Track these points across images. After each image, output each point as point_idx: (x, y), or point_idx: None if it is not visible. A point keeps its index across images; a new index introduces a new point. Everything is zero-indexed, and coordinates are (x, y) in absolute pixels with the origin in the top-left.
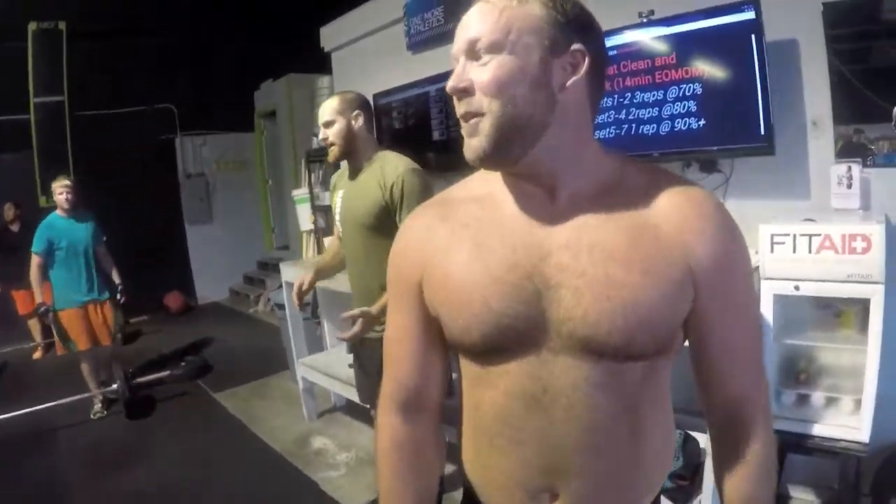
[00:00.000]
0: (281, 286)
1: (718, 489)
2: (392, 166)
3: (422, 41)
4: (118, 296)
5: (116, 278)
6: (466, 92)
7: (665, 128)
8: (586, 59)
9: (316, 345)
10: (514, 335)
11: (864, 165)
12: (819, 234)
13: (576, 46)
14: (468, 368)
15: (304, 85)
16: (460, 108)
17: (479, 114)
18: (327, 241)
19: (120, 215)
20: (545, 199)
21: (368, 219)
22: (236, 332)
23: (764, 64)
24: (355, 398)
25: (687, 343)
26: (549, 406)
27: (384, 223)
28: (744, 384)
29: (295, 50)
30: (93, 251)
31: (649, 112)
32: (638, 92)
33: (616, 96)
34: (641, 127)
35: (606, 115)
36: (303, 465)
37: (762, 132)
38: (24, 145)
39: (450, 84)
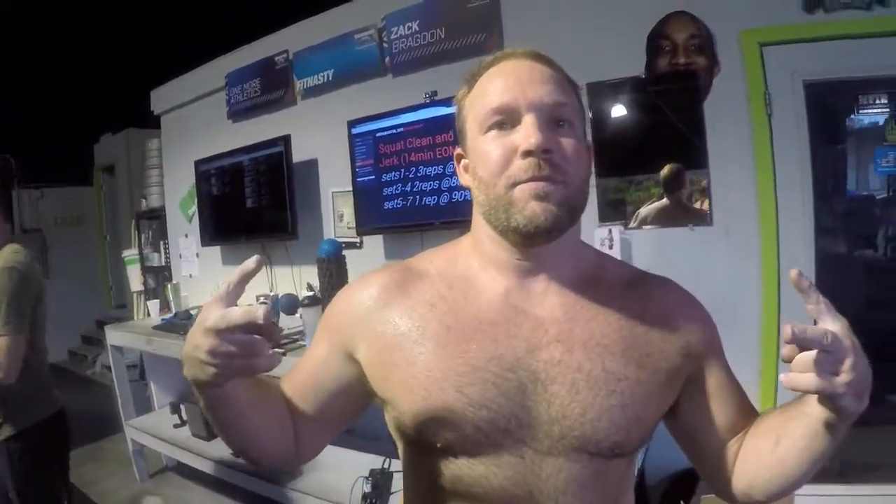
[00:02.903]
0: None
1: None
2: None
3: (241, 111)
4: None
5: None
6: (551, 154)
7: (444, 199)
8: (592, 157)
9: (144, 406)
10: (495, 432)
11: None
12: None
13: (588, 144)
14: (429, 469)
15: (142, 141)
16: (537, 168)
17: (559, 180)
18: (151, 304)
19: None
20: (531, 286)
21: None
22: (73, 395)
23: None
24: (184, 459)
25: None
26: None
27: None
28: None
29: (136, 102)
30: None
31: (431, 185)
32: (421, 166)
33: (402, 170)
34: (424, 199)
35: (394, 187)
36: None
37: None
38: None
39: (538, 142)
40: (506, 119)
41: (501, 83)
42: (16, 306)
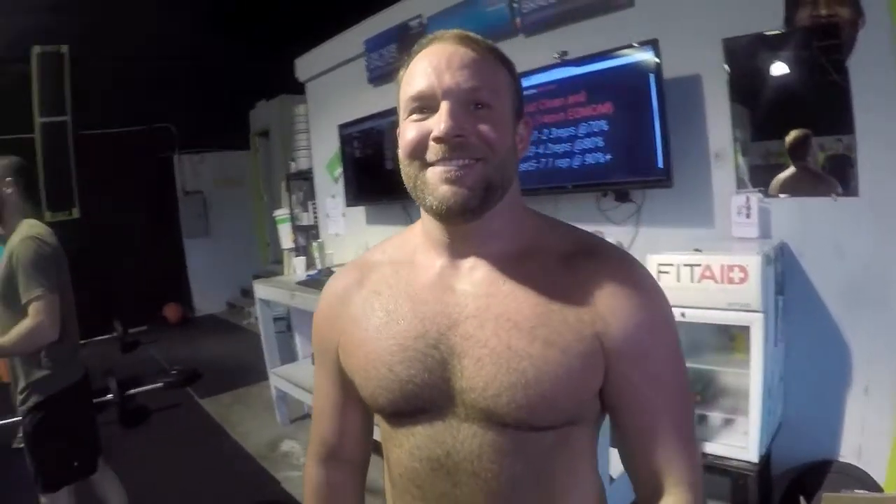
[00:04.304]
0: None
1: None
2: (17, 236)
3: (379, 75)
4: None
5: None
6: (464, 137)
7: (577, 162)
8: (531, 129)
9: (291, 356)
10: (418, 401)
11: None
12: (700, 265)
13: (525, 120)
14: (382, 424)
15: (294, 106)
16: (449, 151)
17: (477, 158)
18: (298, 260)
19: (121, 230)
20: (460, 264)
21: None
22: (228, 343)
23: (662, 100)
24: None
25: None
26: (453, 471)
27: (9, 293)
28: (668, 458)
29: (288, 69)
30: None
31: (563, 147)
32: (553, 128)
33: (535, 132)
34: (557, 161)
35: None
36: (270, 466)
37: (660, 166)
38: (29, 163)
39: (447, 129)
40: (424, 104)
41: (422, 69)
42: (41, 268)
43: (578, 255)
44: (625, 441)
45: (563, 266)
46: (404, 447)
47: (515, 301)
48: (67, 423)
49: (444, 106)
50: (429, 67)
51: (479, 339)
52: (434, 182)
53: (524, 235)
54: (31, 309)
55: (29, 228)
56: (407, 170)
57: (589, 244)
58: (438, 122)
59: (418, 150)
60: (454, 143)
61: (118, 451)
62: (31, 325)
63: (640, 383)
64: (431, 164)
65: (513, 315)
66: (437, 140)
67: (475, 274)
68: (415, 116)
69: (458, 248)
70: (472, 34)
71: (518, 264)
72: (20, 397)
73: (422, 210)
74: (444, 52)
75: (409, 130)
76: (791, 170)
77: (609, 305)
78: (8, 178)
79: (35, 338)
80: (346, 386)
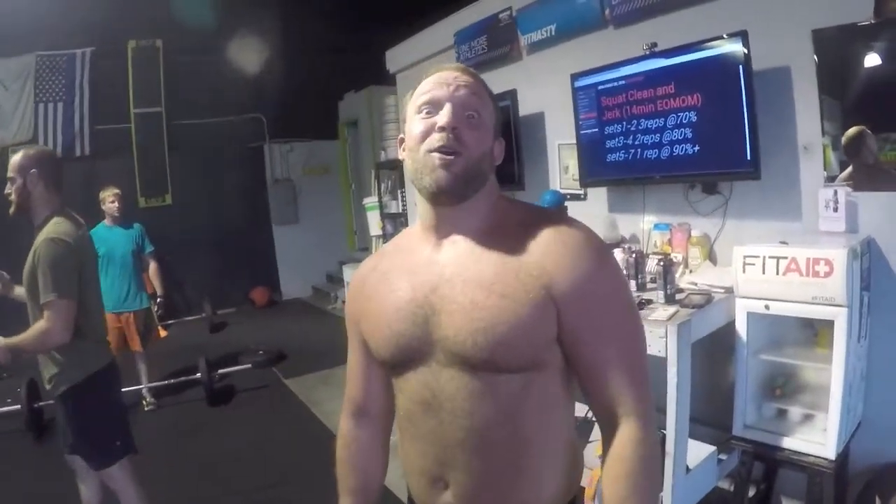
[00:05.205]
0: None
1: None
2: (42, 234)
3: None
4: (156, 308)
5: (159, 289)
6: (458, 131)
7: (665, 153)
8: (503, 150)
9: None
10: (409, 351)
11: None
12: (786, 257)
13: (500, 139)
14: (390, 377)
15: (382, 97)
16: (444, 141)
17: (461, 152)
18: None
19: (212, 216)
20: (444, 242)
21: (25, 280)
22: (313, 327)
23: (751, 92)
24: None
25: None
26: (437, 410)
27: (33, 287)
28: (617, 394)
29: (377, 61)
30: (131, 260)
31: (652, 138)
32: (643, 119)
33: (624, 123)
34: (645, 152)
35: (616, 140)
36: None
37: (748, 158)
38: (125, 151)
39: (449, 120)
40: (432, 107)
41: (432, 83)
42: (59, 272)
43: (535, 224)
44: (581, 380)
45: (521, 234)
46: (404, 392)
47: (480, 265)
48: (101, 405)
49: (448, 106)
50: (438, 81)
51: (451, 297)
52: (432, 165)
53: (495, 215)
54: (45, 312)
55: (54, 227)
56: (414, 154)
57: (545, 216)
58: (443, 116)
59: (423, 137)
60: (452, 132)
61: (206, 427)
62: (43, 327)
63: (587, 327)
64: (431, 151)
65: (477, 276)
66: (441, 128)
67: (454, 247)
68: (422, 115)
69: (444, 229)
70: (469, 68)
71: (487, 237)
72: (49, 386)
73: (417, 202)
74: (450, 74)
75: (417, 123)
76: (850, 168)
77: (555, 262)
78: (33, 171)
79: (46, 340)
80: (368, 353)
